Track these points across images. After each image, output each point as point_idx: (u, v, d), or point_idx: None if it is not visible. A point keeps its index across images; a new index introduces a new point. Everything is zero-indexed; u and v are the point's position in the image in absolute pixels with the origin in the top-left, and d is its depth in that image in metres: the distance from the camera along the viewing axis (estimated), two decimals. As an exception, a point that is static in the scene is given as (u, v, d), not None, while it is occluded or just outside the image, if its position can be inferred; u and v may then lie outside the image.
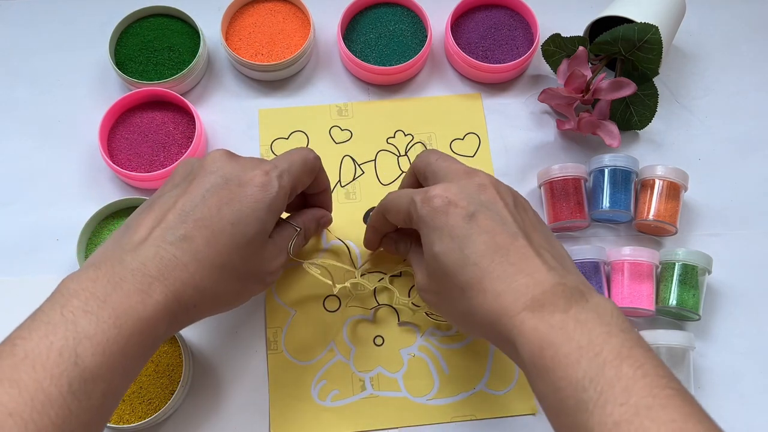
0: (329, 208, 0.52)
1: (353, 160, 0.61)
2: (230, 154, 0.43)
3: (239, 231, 0.40)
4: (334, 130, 0.62)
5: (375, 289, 0.55)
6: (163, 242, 0.39)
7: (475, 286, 0.39)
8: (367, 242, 0.53)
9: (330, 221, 0.53)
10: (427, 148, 0.61)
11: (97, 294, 0.36)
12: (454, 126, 0.62)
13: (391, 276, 0.55)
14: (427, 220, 0.42)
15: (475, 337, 0.54)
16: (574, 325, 0.35)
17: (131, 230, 0.40)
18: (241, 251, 0.41)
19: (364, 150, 0.61)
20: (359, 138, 0.62)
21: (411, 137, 0.62)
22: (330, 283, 0.51)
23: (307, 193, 0.50)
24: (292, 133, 0.62)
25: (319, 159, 0.47)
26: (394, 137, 0.62)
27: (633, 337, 0.35)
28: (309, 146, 0.61)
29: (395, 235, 0.51)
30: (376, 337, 0.55)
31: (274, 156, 0.60)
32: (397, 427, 0.52)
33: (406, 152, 0.61)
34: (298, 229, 0.47)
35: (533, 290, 0.37)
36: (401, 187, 0.51)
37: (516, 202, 0.43)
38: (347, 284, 0.52)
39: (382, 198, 0.48)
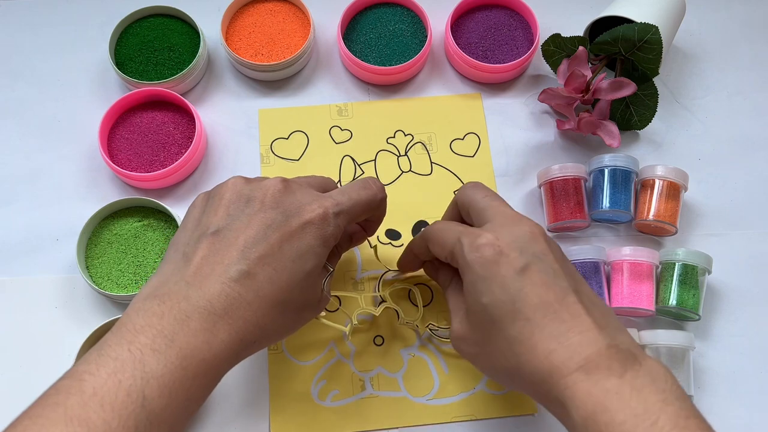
0: (370, 233, 0.51)
1: (353, 160, 0.61)
2: (286, 185, 0.42)
3: (299, 267, 0.40)
4: (334, 130, 0.62)
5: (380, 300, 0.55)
6: (227, 279, 0.38)
7: (525, 342, 0.38)
8: (403, 265, 0.52)
9: (362, 241, 0.51)
10: (427, 148, 0.61)
11: (164, 332, 0.35)
12: (454, 126, 0.62)
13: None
14: (475, 268, 0.40)
15: (515, 391, 0.53)
16: (630, 392, 0.34)
17: (190, 261, 0.39)
18: (299, 286, 0.40)
19: (364, 150, 0.61)
20: (359, 138, 0.62)
21: (411, 137, 0.62)
22: (344, 329, 0.51)
23: None
24: (292, 133, 0.62)
25: (386, 200, 0.47)
26: (394, 137, 0.62)
27: (688, 405, 0.35)
28: (309, 146, 0.61)
29: (438, 264, 0.49)
30: (376, 337, 0.55)
31: (273, 155, 0.60)
32: (397, 427, 0.52)
33: (406, 152, 0.61)
34: (331, 270, 0.46)
35: (586, 350, 0.36)
36: (444, 217, 0.50)
37: (562, 254, 0.42)
38: (355, 322, 0.52)
39: (428, 227, 0.46)
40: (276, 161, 0.61)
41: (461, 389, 0.53)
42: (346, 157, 0.61)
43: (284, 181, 0.42)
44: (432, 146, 0.62)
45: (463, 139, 0.62)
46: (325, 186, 0.46)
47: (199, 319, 0.36)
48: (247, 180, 0.42)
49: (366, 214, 0.45)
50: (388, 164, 0.61)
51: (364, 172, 0.60)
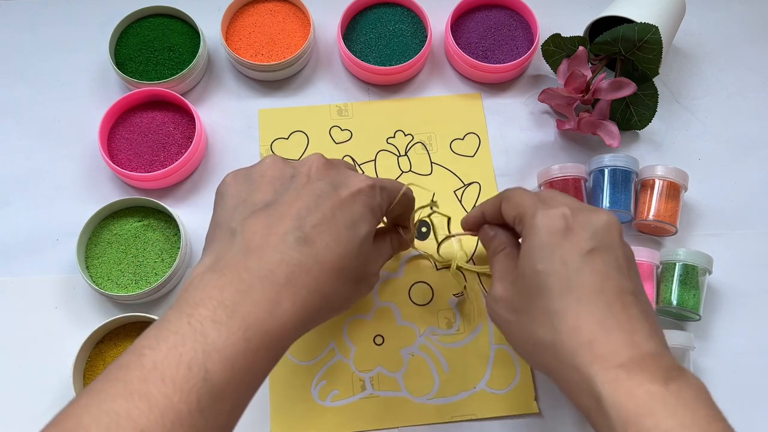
0: (405, 226, 0.51)
1: (353, 160, 0.61)
2: (328, 160, 0.42)
3: (353, 234, 0.39)
4: (334, 130, 0.62)
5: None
6: (285, 248, 0.37)
7: (569, 320, 0.37)
8: (468, 221, 0.50)
9: (405, 247, 0.51)
10: (427, 148, 0.61)
11: (226, 303, 0.34)
12: (454, 126, 0.62)
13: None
14: (542, 233, 0.40)
15: (535, 369, 0.53)
16: (676, 401, 0.34)
17: (242, 235, 0.37)
18: (356, 253, 0.39)
19: (364, 150, 0.61)
20: (359, 138, 0.62)
21: (411, 137, 0.62)
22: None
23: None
24: (292, 133, 0.62)
25: (412, 201, 0.48)
26: (394, 137, 0.62)
27: (728, 427, 0.34)
28: (309, 146, 0.61)
29: (498, 229, 0.47)
30: (376, 336, 0.55)
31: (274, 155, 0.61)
32: (397, 427, 0.52)
33: (406, 152, 0.61)
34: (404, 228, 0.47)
35: (631, 351, 0.36)
36: (481, 207, 0.48)
37: (632, 256, 0.41)
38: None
39: (508, 189, 0.46)
40: None
41: (462, 389, 0.53)
42: (346, 157, 0.61)
43: (324, 157, 0.42)
44: (432, 146, 0.62)
45: (463, 139, 0.62)
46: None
47: (262, 289, 0.35)
48: (286, 161, 0.42)
49: (399, 203, 0.45)
50: (388, 164, 0.61)
51: (364, 172, 0.60)
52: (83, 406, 0.30)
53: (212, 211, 0.41)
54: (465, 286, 0.55)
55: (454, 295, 0.56)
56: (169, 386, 0.30)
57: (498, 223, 0.47)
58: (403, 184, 0.46)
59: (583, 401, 0.37)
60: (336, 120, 0.62)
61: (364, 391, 0.53)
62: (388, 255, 0.48)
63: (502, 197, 0.45)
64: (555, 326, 0.38)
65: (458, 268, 0.55)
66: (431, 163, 0.61)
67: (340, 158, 0.60)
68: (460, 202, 0.59)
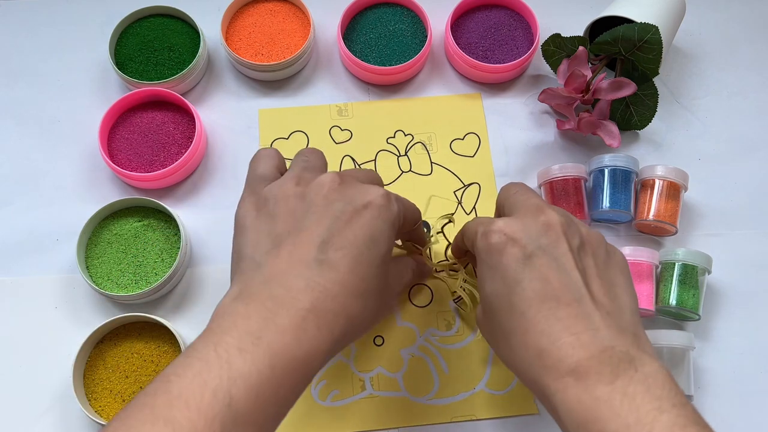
0: (422, 243, 0.53)
1: (353, 160, 0.61)
2: (342, 177, 0.41)
3: (374, 253, 0.39)
4: (334, 130, 0.62)
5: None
6: (310, 273, 0.37)
7: (519, 338, 0.37)
8: (453, 250, 0.53)
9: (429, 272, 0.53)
10: (427, 148, 0.61)
11: (251, 331, 0.34)
12: (454, 126, 0.62)
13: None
14: (483, 256, 0.40)
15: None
16: (621, 400, 0.33)
17: (267, 265, 0.38)
18: (377, 272, 0.39)
19: (364, 150, 0.61)
20: (359, 138, 0.62)
21: (411, 137, 0.62)
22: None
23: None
24: (292, 133, 0.62)
25: (419, 214, 0.47)
26: (394, 137, 0.62)
27: (686, 412, 0.33)
28: (309, 146, 0.61)
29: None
30: (376, 337, 0.55)
31: None
32: (397, 427, 0.52)
33: (406, 152, 0.61)
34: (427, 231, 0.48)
35: (578, 353, 0.35)
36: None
37: (582, 245, 0.40)
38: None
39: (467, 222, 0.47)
40: None
41: (461, 389, 0.53)
42: (346, 157, 0.61)
43: (338, 174, 0.41)
44: (432, 146, 0.61)
45: (463, 139, 0.62)
46: (371, 179, 0.45)
47: (287, 316, 0.35)
48: (298, 180, 0.41)
49: (410, 214, 0.45)
50: (388, 164, 0.61)
51: None
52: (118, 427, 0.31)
53: (233, 239, 0.41)
54: (461, 289, 0.55)
55: (453, 300, 0.56)
56: (194, 412, 0.31)
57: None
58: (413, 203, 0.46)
59: (552, 415, 0.37)
60: (336, 120, 0.62)
61: (364, 391, 0.53)
62: (409, 278, 0.48)
63: (461, 231, 0.46)
64: (510, 345, 0.38)
65: (452, 268, 0.55)
66: (431, 163, 0.61)
67: (340, 158, 0.61)
68: (460, 202, 0.59)
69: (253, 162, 0.44)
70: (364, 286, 0.38)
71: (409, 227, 0.46)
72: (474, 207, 0.59)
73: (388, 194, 0.41)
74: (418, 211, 0.47)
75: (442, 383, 0.53)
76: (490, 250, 0.39)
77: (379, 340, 0.55)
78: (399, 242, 0.54)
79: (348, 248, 0.38)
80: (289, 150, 0.61)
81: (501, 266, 0.39)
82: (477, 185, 0.60)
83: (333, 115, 0.63)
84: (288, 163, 0.45)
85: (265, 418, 0.33)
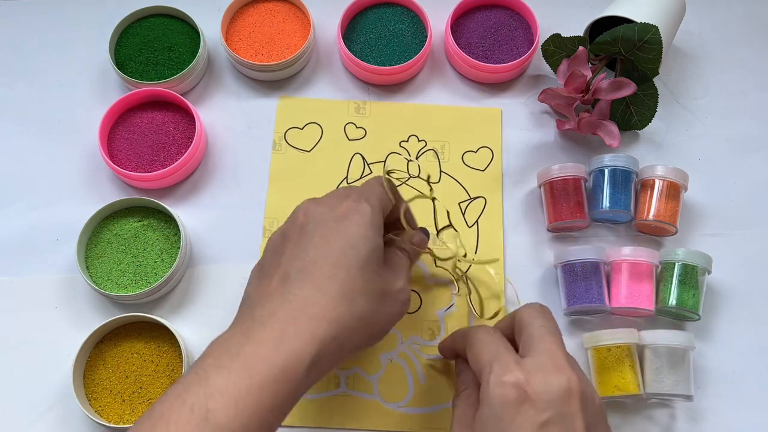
0: (414, 225, 0.51)
1: (363, 158, 0.61)
2: (313, 200, 0.44)
3: (353, 256, 0.40)
4: (349, 127, 0.62)
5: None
6: (287, 289, 0.39)
7: None
8: (442, 347, 0.51)
9: (424, 241, 0.50)
10: (439, 156, 0.61)
11: (230, 349, 0.36)
12: (469, 138, 0.62)
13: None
14: (494, 404, 0.38)
15: None
16: None
17: (253, 295, 0.41)
18: (361, 274, 0.40)
19: (376, 150, 0.61)
20: (372, 137, 0.62)
21: (424, 143, 0.61)
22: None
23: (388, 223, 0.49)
24: (307, 124, 0.62)
25: (390, 183, 0.47)
26: (407, 141, 0.62)
27: None
28: (322, 139, 0.61)
29: (464, 367, 0.46)
30: None
31: (285, 143, 0.61)
32: (363, 429, 0.52)
33: (417, 157, 0.61)
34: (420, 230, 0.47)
35: None
36: (499, 324, 0.46)
37: (595, 422, 0.39)
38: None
39: (476, 329, 0.44)
40: (287, 150, 0.61)
41: (435, 402, 0.53)
42: (356, 155, 0.61)
43: (310, 201, 0.44)
44: (444, 155, 0.61)
45: (476, 152, 0.62)
46: (347, 193, 0.45)
47: (264, 330, 0.37)
48: (284, 224, 0.44)
49: (385, 194, 0.45)
50: (397, 167, 0.60)
51: (372, 172, 0.60)
52: None
53: None
54: (459, 283, 0.54)
55: (453, 293, 0.56)
56: (173, 429, 0.33)
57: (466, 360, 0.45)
58: (380, 177, 0.46)
59: None
60: (353, 117, 0.62)
61: (338, 389, 0.53)
62: (407, 264, 0.47)
63: (466, 339, 0.44)
64: None
65: (456, 267, 0.55)
66: (440, 171, 0.61)
67: (351, 155, 0.61)
68: (463, 215, 0.59)
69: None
70: (347, 288, 0.39)
71: (389, 215, 0.46)
72: (477, 221, 0.59)
73: (357, 199, 0.42)
74: (390, 199, 0.46)
75: (416, 393, 0.53)
76: (506, 403, 0.37)
77: None
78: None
79: (323, 259, 0.39)
80: (302, 140, 0.61)
81: (515, 425, 0.37)
82: (483, 199, 0.60)
83: (350, 112, 0.63)
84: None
85: (249, 427, 0.34)
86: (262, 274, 0.42)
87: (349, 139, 0.62)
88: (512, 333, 0.44)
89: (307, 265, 0.39)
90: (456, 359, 0.48)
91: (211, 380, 0.34)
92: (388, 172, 0.49)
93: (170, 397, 0.34)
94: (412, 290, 0.56)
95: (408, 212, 0.50)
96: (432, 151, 0.61)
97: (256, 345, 0.36)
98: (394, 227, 0.49)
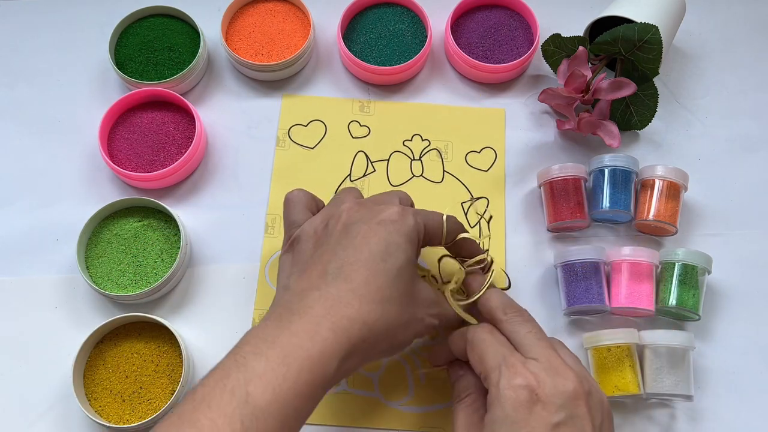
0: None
1: (367, 156, 0.61)
2: (358, 203, 0.45)
3: (389, 264, 0.41)
4: (353, 125, 0.62)
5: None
6: (325, 285, 0.40)
7: None
8: (436, 356, 0.49)
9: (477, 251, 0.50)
10: (442, 156, 0.61)
11: (266, 338, 0.37)
12: (472, 138, 0.62)
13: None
14: (506, 406, 0.39)
15: None
16: None
17: (291, 287, 0.42)
18: (395, 283, 0.41)
19: (380, 148, 0.61)
20: (376, 136, 0.62)
21: (428, 143, 0.61)
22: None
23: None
24: (311, 121, 0.62)
25: (460, 226, 0.47)
26: (411, 140, 0.62)
27: None
28: (325, 137, 0.61)
29: (466, 369, 0.46)
30: None
31: (290, 140, 0.61)
32: (364, 427, 0.52)
33: (420, 157, 0.61)
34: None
35: None
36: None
37: (603, 418, 0.40)
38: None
39: (475, 329, 0.44)
40: (291, 146, 0.61)
41: (435, 401, 0.53)
42: (360, 153, 0.61)
43: (356, 200, 0.46)
44: (447, 155, 0.61)
45: (479, 152, 0.62)
46: (390, 198, 0.47)
47: (300, 321, 0.38)
48: (324, 216, 0.45)
49: (439, 228, 0.46)
50: (400, 166, 0.61)
51: (375, 170, 0.60)
52: None
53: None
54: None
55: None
56: (215, 411, 0.34)
57: (467, 361, 0.45)
58: (442, 214, 0.46)
59: None
60: (357, 115, 0.62)
61: (339, 387, 0.53)
62: (443, 301, 0.46)
63: (467, 340, 0.44)
64: None
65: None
66: (443, 171, 0.61)
67: (354, 153, 0.61)
68: (465, 215, 0.59)
69: (285, 209, 0.48)
70: (381, 295, 0.40)
71: (440, 240, 0.46)
72: (479, 222, 0.59)
73: (404, 209, 0.43)
74: (457, 223, 0.47)
75: (417, 391, 0.53)
76: (519, 404, 0.38)
77: None
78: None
79: (362, 262, 0.41)
80: (306, 137, 0.61)
81: (528, 426, 0.38)
82: (485, 199, 0.60)
83: (354, 110, 0.63)
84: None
85: (285, 413, 0.35)
86: (301, 265, 0.43)
87: (353, 137, 0.62)
88: (463, 351, 0.44)
89: (345, 266, 0.41)
90: (450, 365, 0.48)
91: (249, 366, 0.36)
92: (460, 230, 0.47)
93: (210, 381, 0.36)
94: None
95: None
96: (435, 150, 0.61)
97: (292, 335, 0.37)
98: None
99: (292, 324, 0.38)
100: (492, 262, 0.49)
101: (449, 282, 0.49)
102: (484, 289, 0.47)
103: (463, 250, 0.49)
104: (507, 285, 0.53)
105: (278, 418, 0.35)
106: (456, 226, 0.47)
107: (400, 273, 0.41)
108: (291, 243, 0.46)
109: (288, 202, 0.48)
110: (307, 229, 0.45)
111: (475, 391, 0.44)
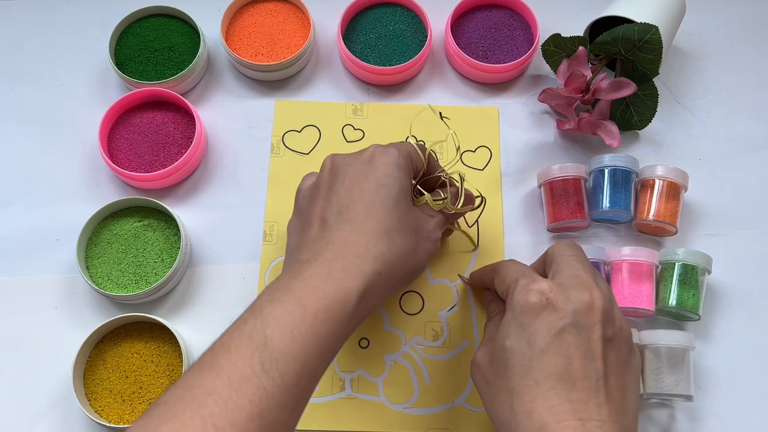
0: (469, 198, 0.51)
1: None
2: (337, 155, 0.46)
3: (384, 194, 0.42)
4: (347, 129, 0.62)
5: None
6: (328, 232, 0.41)
7: (525, 403, 0.38)
8: (473, 278, 0.54)
9: (472, 201, 0.51)
10: (437, 157, 0.61)
11: (281, 287, 0.38)
12: (467, 137, 0.62)
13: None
14: (516, 309, 0.40)
15: None
16: None
17: (299, 244, 0.43)
18: (395, 211, 0.42)
19: None
20: (371, 139, 0.62)
21: (422, 144, 0.61)
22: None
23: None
24: (305, 127, 0.62)
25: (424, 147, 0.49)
26: (405, 142, 0.61)
27: None
28: (320, 142, 0.61)
29: (494, 296, 0.49)
30: (361, 339, 0.54)
31: (284, 147, 0.61)
32: (370, 431, 0.52)
33: None
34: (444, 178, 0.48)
35: None
36: (533, 265, 0.47)
37: (613, 337, 0.40)
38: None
39: (501, 261, 0.47)
40: (286, 153, 0.61)
41: (440, 402, 0.53)
42: None
43: (334, 154, 0.46)
44: (442, 155, 0.61)
45: (474, 151, 0.62)
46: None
47: (311, 268, 0.39)
48: (315, 176, 0.47)
49: (416, 152, 0.47)
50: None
51: None
52: (170, 389, 0.35)
53: None
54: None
55: (459, 276, 0.56)
56: (234, 354, 0.35)
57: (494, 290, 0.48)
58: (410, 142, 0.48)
59: None
60: (350, 119, 0.62)
61: (343, 392, 0.53)
62: (437, 214, 0.47)
63: (493, 271, 0.47)
64: (513, 406, 0.39)
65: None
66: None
67: None
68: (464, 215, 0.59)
69: (300, 183, 0.49)
70: (384, 225, 0.41)
71: (422, 165, 0.48)
72: (477, 220, 0.58)
73: (384, 146, 0.45)
74: (424, 147, 0.48)
75: (422, 393, 0.53)
76: (527, 308, 0.40)
77: (364, 342, 0.54)
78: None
79: (358, 201, 0.42)
80: (299, 143, 0.61)
81: (532, 328, 0.39)
82: (482, 198, 0.60)
83: (348, 114, 0.63)
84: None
85: (306, 353, 0.36)
86: (300, 224, 0.45)
87: (348, 141, 0.61)
88: (544, 270, 0.45)
89: (342, 209, 0.42)
90: (485, 291, 0.52)
91: (265, 312, 0.36)
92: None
93: (229, 330, 0.36)
94: (415, 292, 0.56)
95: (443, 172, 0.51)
96: (430, 151, 0.61)
97: (305, 280, 0.38)
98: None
99: (303, 272, 0.38)
100: (463, 179, 0.50)
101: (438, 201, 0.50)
102: (461, 193, 0.49)
103: (433, 179, 0.50)
104: (481, 201, 0.54)
105: (298, 360, 0.35)
106: (425, 152, 0.48)
107: (397, 201, 0.42)
108: (295, 211, 0.47)
109: (303, 178, 0.49)
110: (303, 188, 0.47)
111: (503, 312, 0.45)
